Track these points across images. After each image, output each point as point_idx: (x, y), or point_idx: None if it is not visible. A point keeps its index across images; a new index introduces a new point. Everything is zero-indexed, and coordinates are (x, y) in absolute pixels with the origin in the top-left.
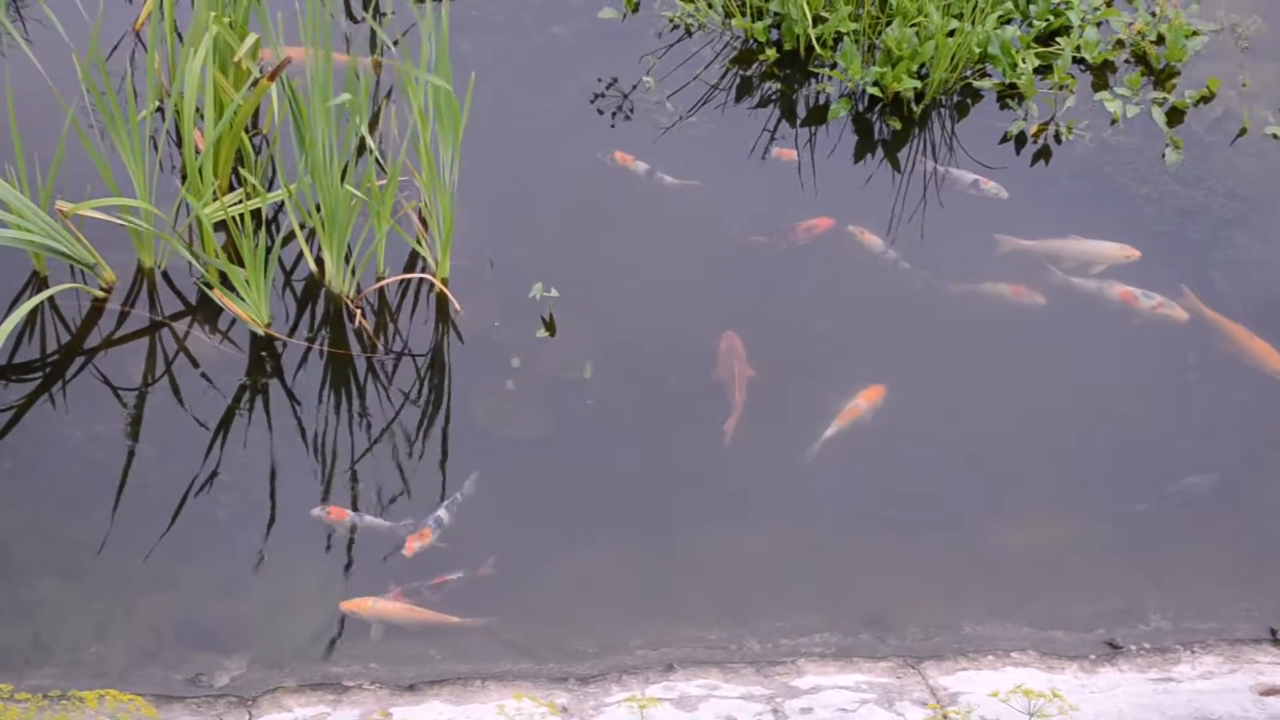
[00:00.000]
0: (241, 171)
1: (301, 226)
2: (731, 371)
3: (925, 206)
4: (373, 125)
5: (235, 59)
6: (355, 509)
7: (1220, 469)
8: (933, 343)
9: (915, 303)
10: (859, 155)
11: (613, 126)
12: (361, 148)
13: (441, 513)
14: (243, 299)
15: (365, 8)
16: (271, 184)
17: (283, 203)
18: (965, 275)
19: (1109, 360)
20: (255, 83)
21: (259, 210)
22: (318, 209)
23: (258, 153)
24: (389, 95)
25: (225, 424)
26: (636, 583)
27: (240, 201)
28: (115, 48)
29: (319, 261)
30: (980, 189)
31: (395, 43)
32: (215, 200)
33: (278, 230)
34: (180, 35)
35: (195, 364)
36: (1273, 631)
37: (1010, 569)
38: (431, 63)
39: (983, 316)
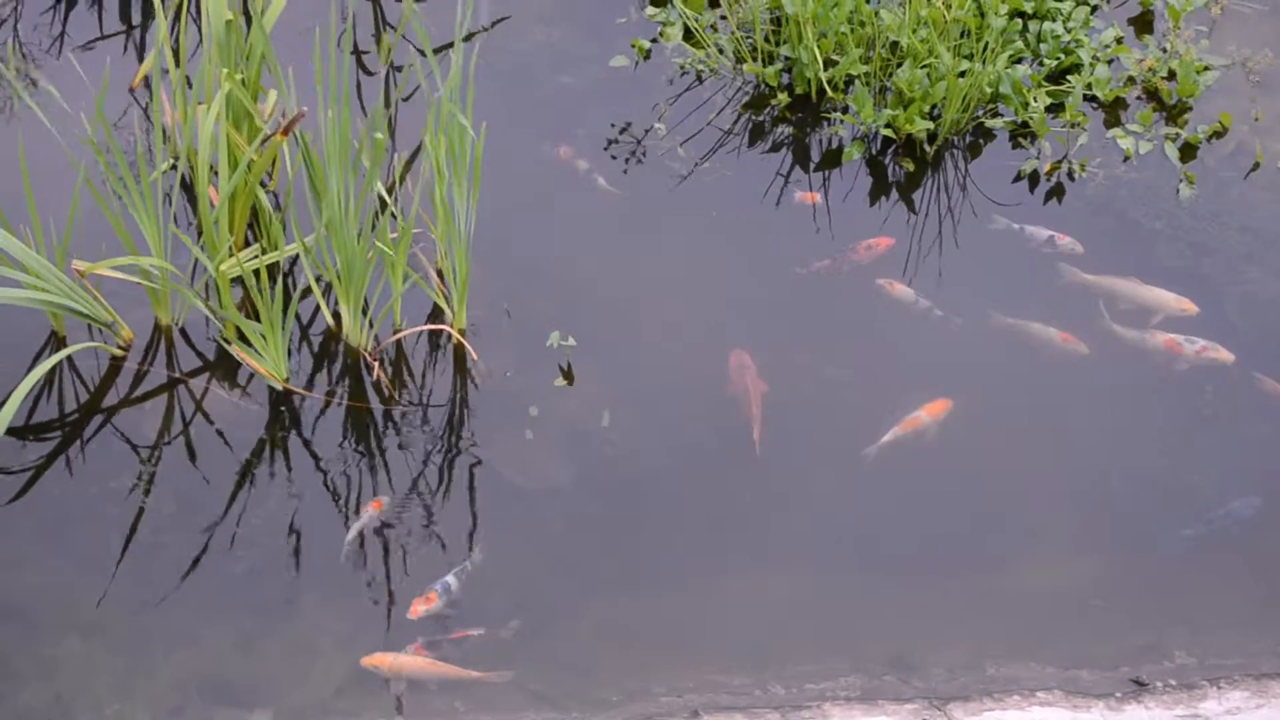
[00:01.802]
0: (258, 227)
1: (318, 280)
2: (745, 388)
3: (941, 247)
4: (387, 179)
5: (266, 118)
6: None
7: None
8: (961, 383)
9: (946, 344)
10: (874, 198)
11: (626, 174)
12: (379, 203)
13: (450, 579)
14: (260, 354)
15: (381, 59)
16: (287, 238)
17: (298, 257)
18: (994, 316)
19: (1137, 402)
20: (268, 139)
21: (275, 265)
22: (334, 262)
23: (274, 208)
24: (406, 152)
25: (244, 479)
26: (660, 629)
27: (256, 257)
28: (127, 107)
29: (336, 315)
30: (1056, 245)
31: (407, 97)
32: (231, 256)
33: (294, 285)
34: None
35: (213, 420)
36: None
37: (1034, 609)
38: (448, 112)
39: (1015, 358)
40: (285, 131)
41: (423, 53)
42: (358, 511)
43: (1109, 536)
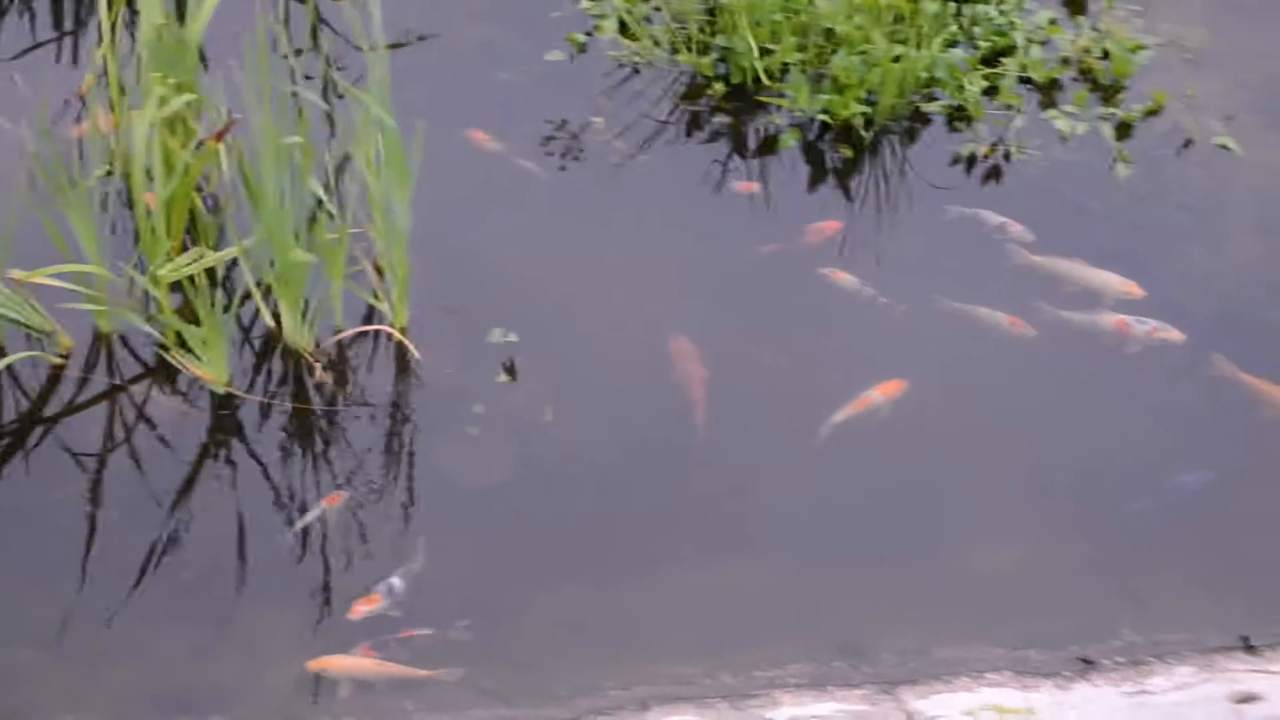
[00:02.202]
0: (196, 232)
1: (258, 283)
2: (687, 374)
3: (881, 232)
4: (325, 180)
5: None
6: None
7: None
8: (907, 368)
9: (891, 331)
10: (813, 185)
11: (564, 168)
12: (315, 202)
13: (394, 580)
14: (201, 359)
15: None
16: (226, 242)
17: (238, 261)
18: (940, 300)
19: (1086, 383)
20: (202, 144)
21: (215, 270)
22: (272, 265)
23: (210, 211)
24: (343, 152)
25: (188, 485)
26: (609, 623)
27: (195, 261)
28: (64, 115)
29: (276, 317)
30: (1006, 232)
31: (341, 96)
32: (169, 261)
33: (234, 288)
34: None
35: (155, 426)
36: (1245, 639)
37: (981, 591)
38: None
39: (962, 342)
40: (219, 137)
41: (359, 48)
42: (303, 513)
43: (1056, 517)
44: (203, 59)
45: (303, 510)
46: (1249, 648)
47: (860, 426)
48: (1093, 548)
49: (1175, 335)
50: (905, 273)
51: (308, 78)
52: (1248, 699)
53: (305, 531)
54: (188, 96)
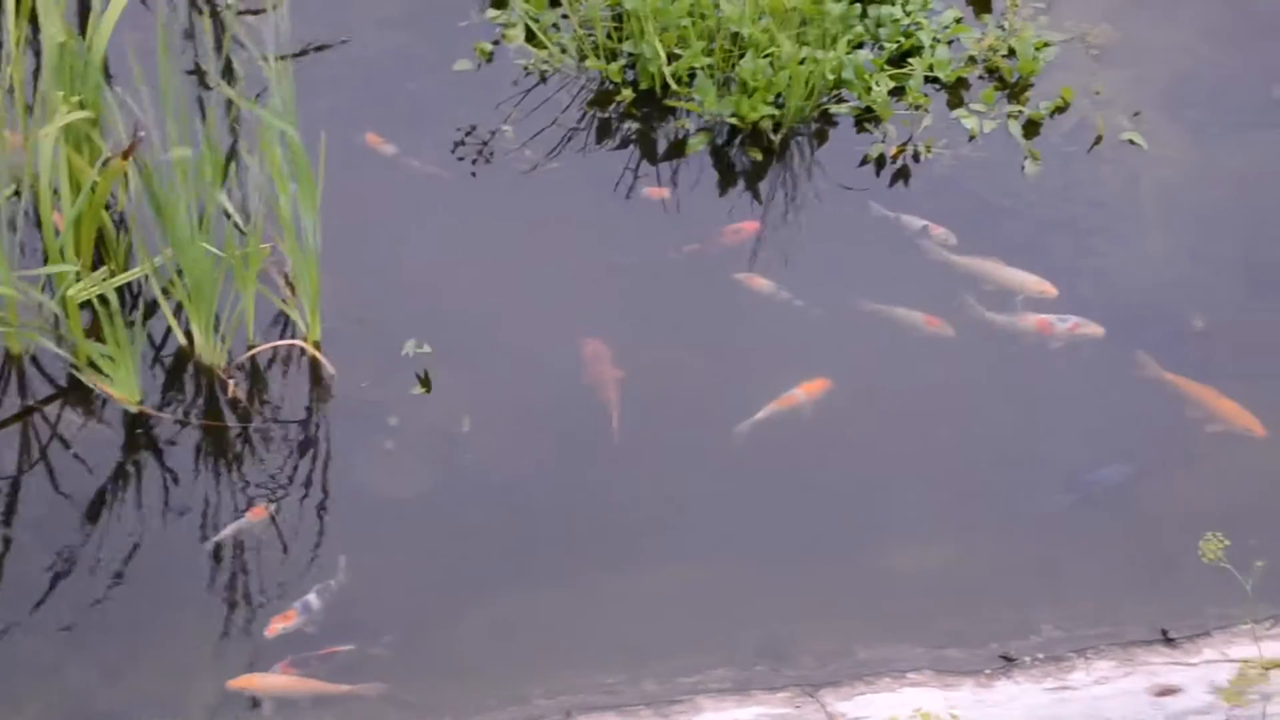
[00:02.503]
0: (105, 250)
1: (167, 298)
2: (601, 376)
3: (792, 235)
4: (235, 194)
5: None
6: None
7: (1081, 496)
8: (826, 370)
9: (809, 333)
10: (723, 188)
11: (474, 176)
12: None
13: (311, 597)
14: (112, 378)
15: (222, 72)
16: (135, 260)
17: (148, 277)
18: (856, 302)
19: (1005, 381)
20: (108, 162)
21: (126, 287)
22: (179, 278)
23: (119, 229)
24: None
25: (102, 505)
26: (534, 632)
27: (104, 280)
28: None
29: (188, 334)
30: (930, 235)
31: (254, 103)
32: (79, 280)
33: (146, 306)
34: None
35: (68, 447)
36: (1164, 632)
37: (901, 590)
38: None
39: (880, 343)
40: (126, 154)
41: (269, 59)
42: (221, 528)
43: (976, 514)
44: (107, 75)
45: (218, 527)
46: (1168, 641)
47: (778, 429)
48: (1012, 544)
49: (1095, 330)
50: (820, 275)
51: (207, 87)
52: (1167, 692)
53: (224, 545)
54: (84, 114)
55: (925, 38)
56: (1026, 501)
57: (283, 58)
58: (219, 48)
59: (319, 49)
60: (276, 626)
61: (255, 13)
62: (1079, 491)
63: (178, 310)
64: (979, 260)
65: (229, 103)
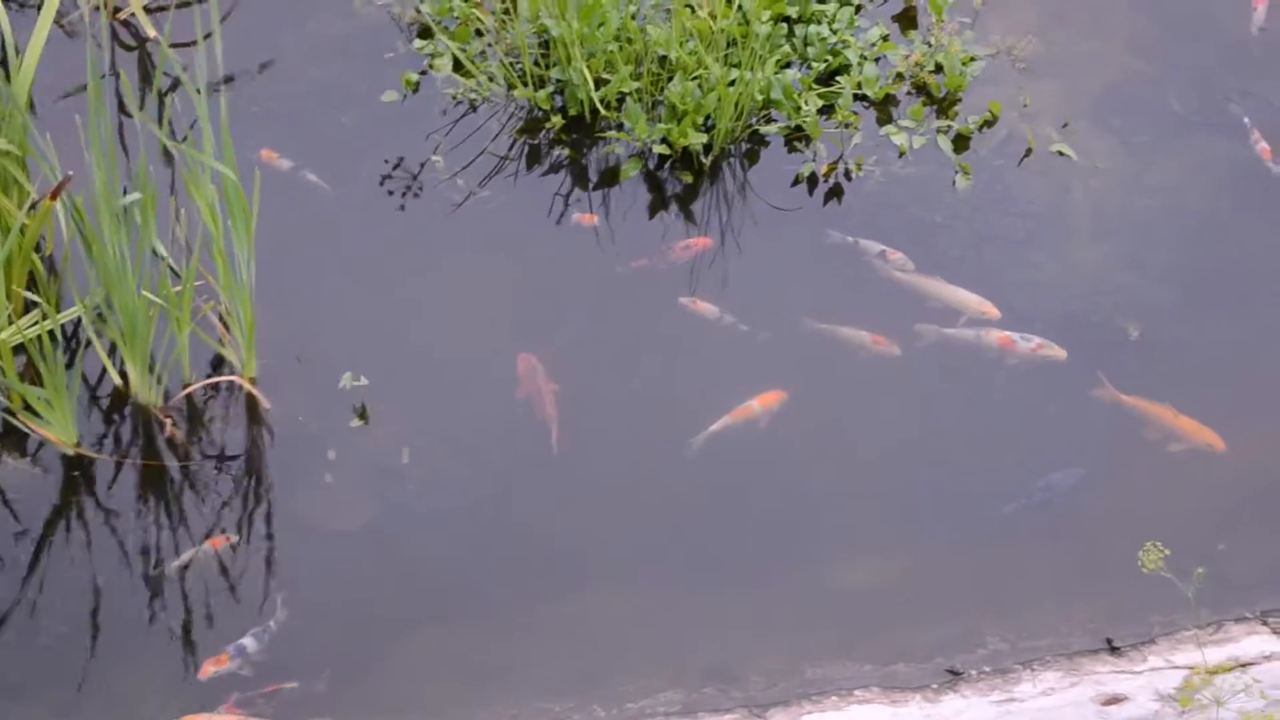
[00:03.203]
0: (37, 292)
1: (101, 338)
2: (537, 389)
3: (728, 257)
4: (167, 232)
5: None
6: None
7: (1031, 502)
8: (768, 387)
9: (754, 354)
10: (653, 212)
11: (405, 209)
12: (156, 256)
13: (247, 640)
14: (48, 420)
15: (142, 108)
16: (67, 301)
17: (81, 319)
18: (802, 322)
19: (951, 400)
20: (36, 204)
21: (59, 329)
22: (113, 318)
23: (50, 271)
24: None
25: (41, 549)
26: (478, 661)
27: (36, 323)
28: None
29: (123, 374)
30: (887, 259)
31: (182, 141)
32: (11, 324)
33: (80, 347)
34: None
35: (3, 492)
36: (1108, 641)
37: (848, 607)
38: (216, 157)
39: (826, 363)
40: (54, 195)
41: (200, 92)
42: (159, 568)
43: (921, 529)
44: (34, 113)
45: (159, 565)
46: (1113, 649)
47: (724, 447)
48: (958, 557)
49: (1058, 353)
50: (762, 296)
51: (127, 114)
52: (1113, 701)
53: (174, 576)
54: (10, 149)
55: (852, 56)
56: (972, 515)
57: (214, 93)
58: (147, 83)
59: (247, 82)
60: (209, 669)
61: (182, 45)
62: (1030, 497)
63: (112, 350)
64: (923, 279)
65: (154, 140)
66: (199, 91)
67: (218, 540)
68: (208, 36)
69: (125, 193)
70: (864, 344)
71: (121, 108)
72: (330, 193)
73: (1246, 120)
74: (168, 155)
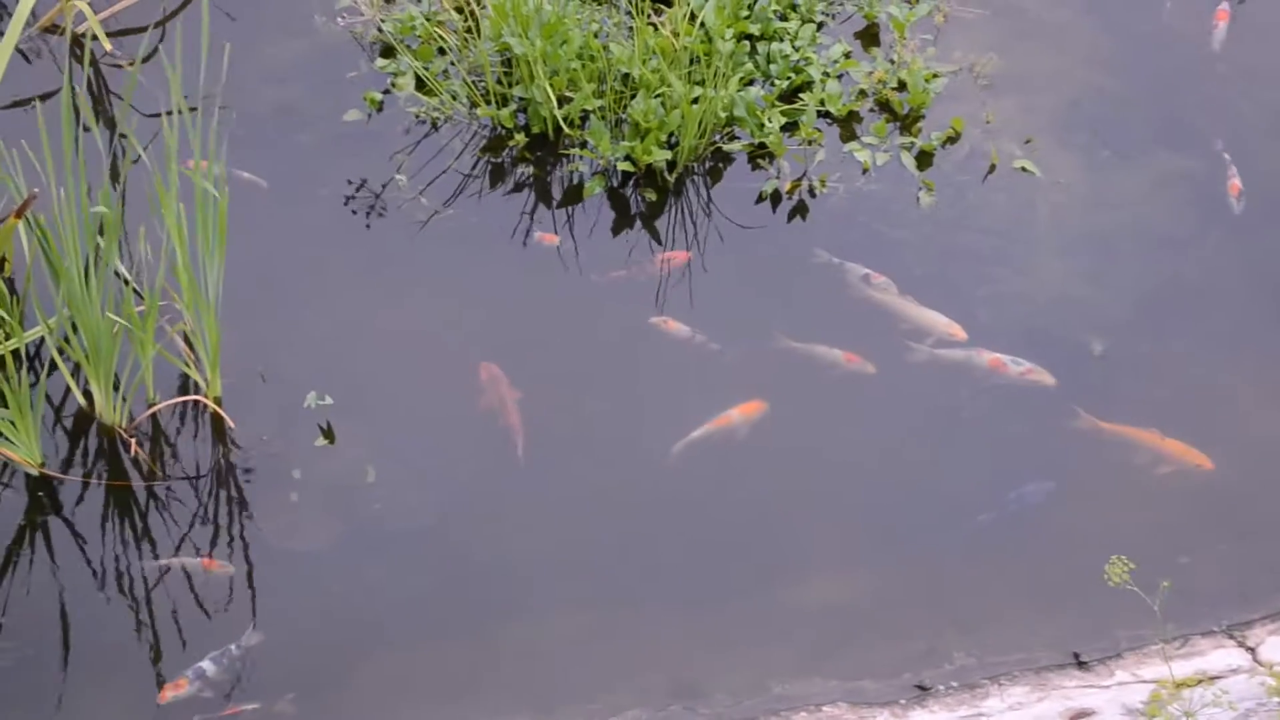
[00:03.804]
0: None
1: (65, 359)
2: (500, 398)
3: (690, 275)
4: (130, 250)
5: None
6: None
7: (1003, 513)
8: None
9: (726, 372)
10: (618, 229)
11: (369, 228)
12: (119, 277)
13: (206, 664)
14: (12, 441)
15: (109, 126)
16: (30, 321)
17: (45, 339)
18: (775, 339)
19: (924, 417)
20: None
21: (22, 349)
22: (77, 338)
23: (12, 291)
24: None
25: (4, 569)
26: (443, 682)
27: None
28: None
29: (87, 394)
30: (871, 283)
31: (136, 159)
32: None
33: (44, 367)
34: None
35: None
36: (1075, 656)
37: (814, 624)
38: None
39: (799, 381)
40: (18, 215)
41: (156, 115)
42: (127, 591)
43: (889, 545)
44: None
45: (125, 587)
46: (1080, 664)
47: (690, 464)
48: (925, 573)
49: (1047, 378)
50: (730, 313)
51: (87, 130)
52: (1081, 715)
53: (156, 582)
54: None
55: (815, 73)
56: (939, 530)
57: (179, 113)
58: (101, 103)
59: (209, 102)
60: (168, 694)
61: (144, 60)
62: (1002, 508)
63: (76, 370)
64: (893, 298)
65: (115, 159)
66: (180, 112)
67: (209, 561)
68: (149, 57)
69: (90, 211)
70: (837, 362)
71: (87, 129)
72: (265, 188)
73: (1227, 156)
74: (117, 174)
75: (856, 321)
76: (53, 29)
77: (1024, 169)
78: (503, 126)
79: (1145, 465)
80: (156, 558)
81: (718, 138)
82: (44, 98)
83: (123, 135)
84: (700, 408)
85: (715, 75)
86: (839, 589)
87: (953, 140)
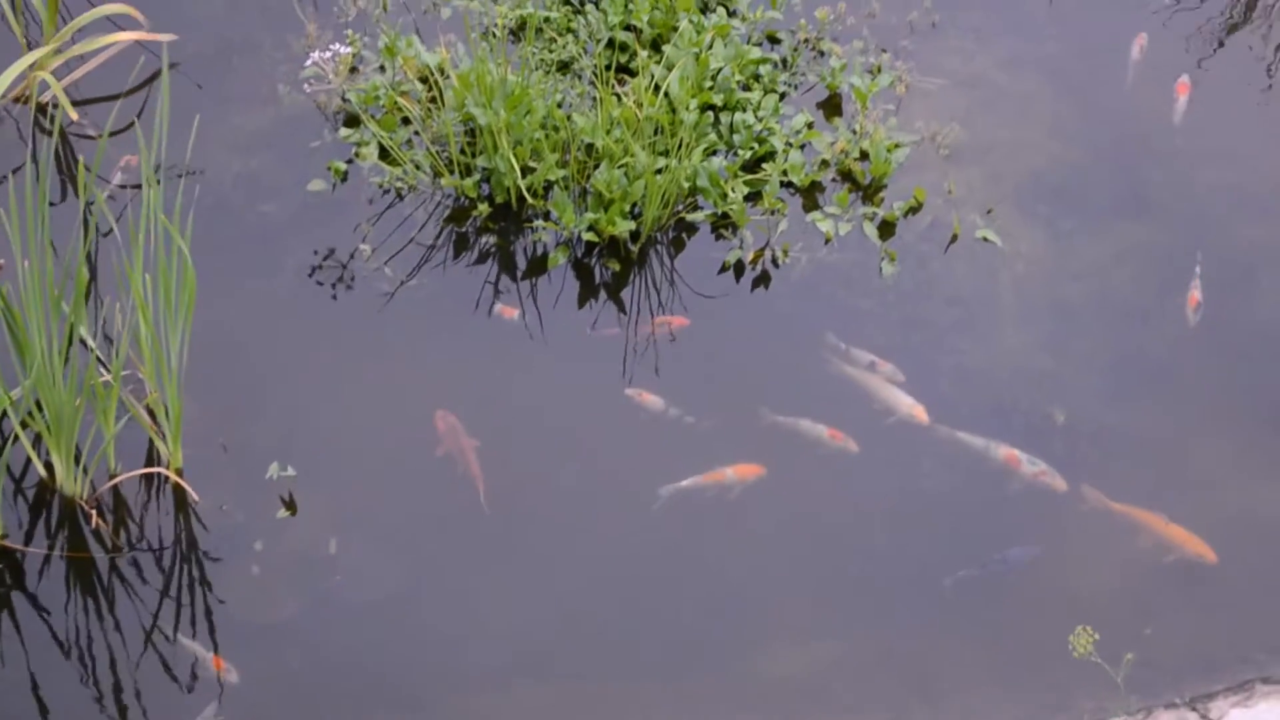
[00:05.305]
0: None
1: (25, 429)
2: (458, 446)
3: (655, 348)
4: (94, 321)
5: None
6: None
7: (985, 572)
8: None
9: (701, 445)
10: (583, 300)
11: (334, 298)
12: (85, 348)
13: None
14: None
15: (77, 197)
16: None
17: (6, 410)
18: (758, 415)
19: (905, 497)
20: None
21: None
22: (39, 411)
23: None
24: (112, 292)
25: None
26: None
27: None
28: None
29: (49, 465)
30: (876, 370)
31: (108, 233)
32: None
33: (4, 438)
34: None
35: None
36: None
37: (778, 697)
38: (152, 248)
39: (780, 457)
40: None
41: (126, 187)
42: (88, 664)
43: (855, 616)
44: None
45: (86, 660)
46: None
47: (661, 533)
48: (890, 643)
49: (1059, 483)
50: (698, 383)
51: (52, 203)
52: None
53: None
54: None
55: (778, 143)
56: (906, 600)
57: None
58: (69, 172)
59: (173, 173)
60: None
61: (112, 134)
62: (984, 567)
63: (36, 441)
64: (866, 375)
65: (84, 230)
66: (157, 182)
67: (219, 661)
68: (119, 133)
69: (55, 282)
70: (820, 438)
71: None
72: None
73: (1198, 269)
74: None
75: (832, 395)
76: (20, 99)
77: (986, 239)
78: (466, 196)
79: (1148, 549)
80: (174, 637)
81: (680, 207)
82: (14, 171)
83: (89, 204)
84: (675, 477)
85: (679, 146)
86: (803, 659)
87: (915, 210)
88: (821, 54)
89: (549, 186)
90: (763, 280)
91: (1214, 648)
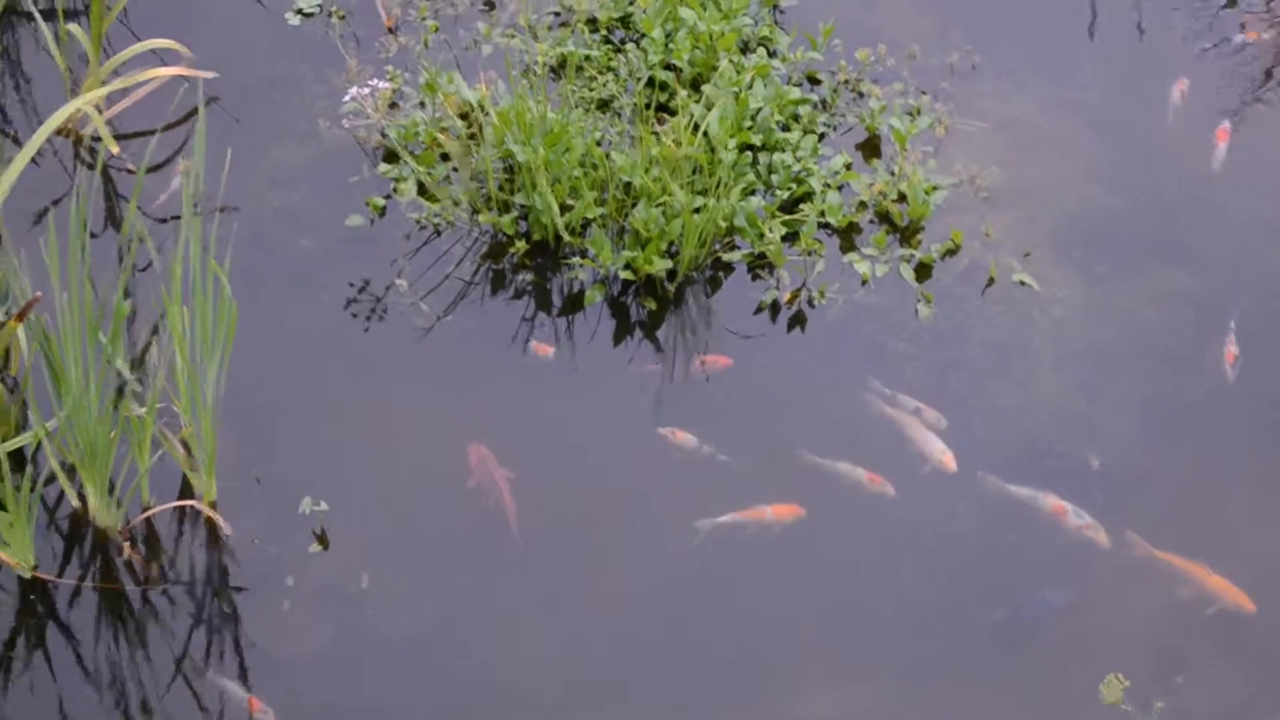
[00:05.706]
0: None
1: (62, 464)
2: (491, 478)
3: (690, 387)
4: (130, 352)
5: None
6: None
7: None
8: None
9: (734, 487)
10: (618, 339)
11: (370, 333)
12: (122, 380)
13: None
14: (6, 542)
15: (119, 230)
16: (27, 423)
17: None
18: (794, 455)
19: (943, 547)
20: (1, 325)
21: (19, 450)
22: (74, 441)
23: (10, 392)
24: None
25: None
26: None
27: None
28: None
29: (82, 497)
30: (922, 415)
31: (146, 267)
32: None
33: (38, 469)
34: None
35: None
36: None
37: None
38: (190, 281)
39: (816, 500)
40: (19, 318)
41: (163, 220)
42: (117, 697)
43: (883, 660)
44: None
45: (119, 695)
46: None
47: (694, 571)
48: (918, 688)
49: (1103, 538)
50: (734, 424)
51: (93, 236)
52: None
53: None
54: None
55: (816, 183)
56: (935, 646)
57: (188, 218)
58: (110, 204)
59: (212, 207)
60: None
61: (149, 170)
62: (1018, 610)
63: (71, 473)
64: (907, 416)
65: (122, 263)
66: (194, 213)
67: (255, 702)
68: (158, 167)
69: (95, 314)
70: (860, 481)
71: (95, 235)
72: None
73: (1232, 324)
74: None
75: (867, 438)
76: (62, 132)
77: (1022, 282)
78: (504, 233)
79: (1189, 599)
80: (205, 671)
81: (718, 246)
82: (55, 204)
83: (129, 240)
84: (711, 515)
85: (717, 185)
86: (829, 704)
87: (952, 253)
88: (861, 95)
89: (587, 224)
90: (799, 321)
91: (1246, 697)
